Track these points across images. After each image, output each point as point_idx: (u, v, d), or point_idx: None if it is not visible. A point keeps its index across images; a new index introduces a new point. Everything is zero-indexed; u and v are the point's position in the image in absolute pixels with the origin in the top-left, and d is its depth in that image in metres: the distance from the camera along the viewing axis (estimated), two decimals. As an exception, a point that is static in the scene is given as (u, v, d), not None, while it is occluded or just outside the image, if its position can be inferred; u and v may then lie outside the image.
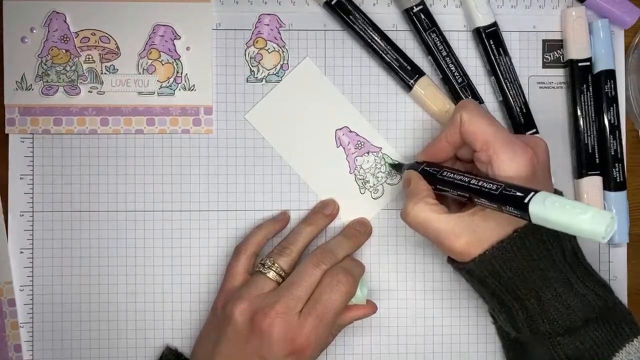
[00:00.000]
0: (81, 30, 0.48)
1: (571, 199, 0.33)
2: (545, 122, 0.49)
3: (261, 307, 0.41)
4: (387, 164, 0.49)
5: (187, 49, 0.48)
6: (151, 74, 0.48)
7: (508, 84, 0.48)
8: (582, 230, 0.32)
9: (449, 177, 0.41)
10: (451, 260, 0.43)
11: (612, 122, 0.48)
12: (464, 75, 0.48)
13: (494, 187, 0.37)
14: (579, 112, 0.48)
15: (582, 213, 0.32)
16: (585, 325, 0.39)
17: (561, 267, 0.40)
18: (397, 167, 0.48)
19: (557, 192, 0.42)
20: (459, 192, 0.40)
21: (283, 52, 0.49)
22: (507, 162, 0.39)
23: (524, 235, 0.39)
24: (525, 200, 0.34)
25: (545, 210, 0.33)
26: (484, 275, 0.40)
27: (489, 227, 0.39)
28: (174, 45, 0.48)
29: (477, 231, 0.39)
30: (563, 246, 0.40)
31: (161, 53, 0.48)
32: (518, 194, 0.35)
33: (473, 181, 0.39)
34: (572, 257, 0.41)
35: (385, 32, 0.48)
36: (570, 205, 0.32)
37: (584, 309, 0.39)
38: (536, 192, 0.34)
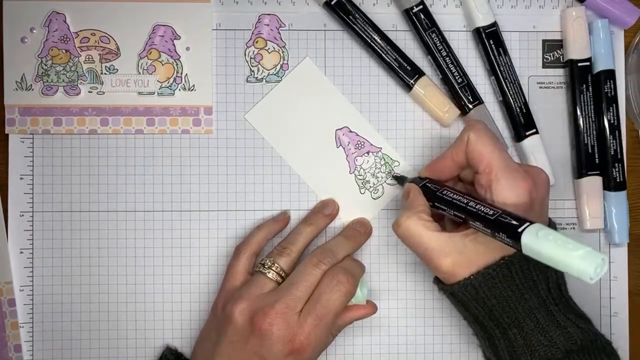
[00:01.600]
0: (81, 31, 0.48)
1: (565, 236, 0.33)
2: (545, 122, 0.49)
3: (261, 307, 0.41)
4: (390, 176, 0.49)
5: (187, 49, 0.48)
6: (151, 74, 0.48)
7: (508, 84, 0.48)
8: (571, 268, 0.32)
9: (448, 196, 0.41)
10: (437, 281, 0.43)
11: (612, 122, 0.48)
12: (464, 75, 0.48)
13: (491, 212, 0.37)
14: (578, 112, 0.48)
15: (574, 250, 0.32)
16: (565, 357, 0.39)
17: (544, 298, 0.40)
18: (399, 180, 0.48)
19: (551, 224, 0.43)
20: (455, 212, 0.40)
21: (283, 52, 0.49)
22: (507, 188, 0.39)
23: (510, 263, 0.39)
24: (519, 230, 0.34)
25: (538, 242, 0.33)
26: (467, 299, 0.40)
27: (478, 251, 0.39)
28: (174, 46, 0.48)
29: (465, 253, 0.39)
30: (548, 277, 0.40)
31: (161, 53, 0.48)
32: (513, 222, 0.35)
33: (471, 203, 0.39)
34: (556, 290, 0.41)
35: (385, 32, 0.48)
36: (563, 240, 0.32)
37: (565, 342, 0.39)
38: (531, 223, 0.34)
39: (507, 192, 0.39)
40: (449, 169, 0.43)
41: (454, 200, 0.40)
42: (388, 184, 0.49)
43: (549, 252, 0.32)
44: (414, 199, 0.42)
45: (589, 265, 0.31)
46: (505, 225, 0.35)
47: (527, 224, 0.34)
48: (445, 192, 0.41)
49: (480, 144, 0.40)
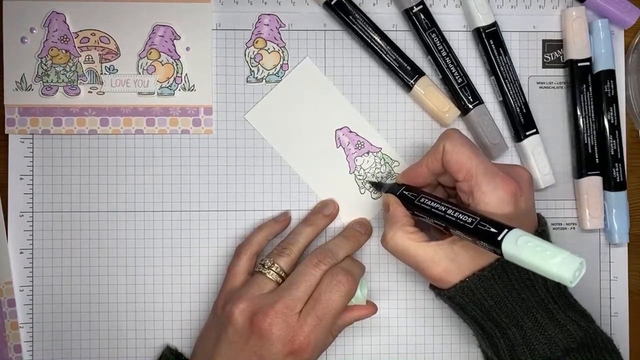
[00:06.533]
0: (81, 31, 0.48)
1: (545, 242, 0.33)
2: (545, 122, 0.49)
3: (261, 307, 0.41)
4: (367, 182, 0.49)
5: (187, 49, 0.48)
6: (151, 74, 0.48)
7: (508, 84, 0.48)
8: (550, 274, 0.32)
9: (426, 205, 0.41)
10: (433, 287, 0.43)
11: (612, 122, 0.48)
12: (464, 75, 0.48)
13: (469, 221, 0.37)
14: (578, 112, 0.48)
15: (552, 257, 0.32)
16: (564, 355, 0.39)
17: (543, 297, 0.40)
18: (376, 186, 0.48)
19: (541, 222, 0.42)
20: (435, 221, 0.40)
21: (283, 52, 0.49)
22: (488, 194, 0.39)
23: (505, 264, 0.39)
24: (499, 238, 0.34)
25: (517, 249, 0.33)
26: (465, 302, 0.40)
27: (469, 256, 0.39)
28: (174, 46, 0.48)
29: (456, 259, 0.39)
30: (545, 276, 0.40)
31: (161, 53, 0.48)
32: (492, 229, 0.35)
33: (449, 211, 0.39)
34: (554, 287, 0.41)
35: (385, 32, 0.48)
36: (542, 247, 0.33)
37: (565, 340, 0.39)
38: (510, 229, 0.34)
39: (489, 198, 0.39)
40: (423, 176, 0.43)
41: (433, 209, 0.40)
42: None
43: (528, 259, 0.33)
44: (395, 212, 0.42)
45: (567, 271, 0.31)
46: (485, 233, 0.35)
47: (506, 230, 0.34)
48: (423, 199, 0.41)
49: (457, 153, 0.40)
